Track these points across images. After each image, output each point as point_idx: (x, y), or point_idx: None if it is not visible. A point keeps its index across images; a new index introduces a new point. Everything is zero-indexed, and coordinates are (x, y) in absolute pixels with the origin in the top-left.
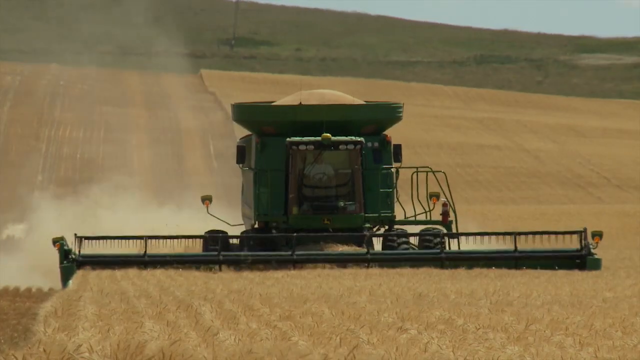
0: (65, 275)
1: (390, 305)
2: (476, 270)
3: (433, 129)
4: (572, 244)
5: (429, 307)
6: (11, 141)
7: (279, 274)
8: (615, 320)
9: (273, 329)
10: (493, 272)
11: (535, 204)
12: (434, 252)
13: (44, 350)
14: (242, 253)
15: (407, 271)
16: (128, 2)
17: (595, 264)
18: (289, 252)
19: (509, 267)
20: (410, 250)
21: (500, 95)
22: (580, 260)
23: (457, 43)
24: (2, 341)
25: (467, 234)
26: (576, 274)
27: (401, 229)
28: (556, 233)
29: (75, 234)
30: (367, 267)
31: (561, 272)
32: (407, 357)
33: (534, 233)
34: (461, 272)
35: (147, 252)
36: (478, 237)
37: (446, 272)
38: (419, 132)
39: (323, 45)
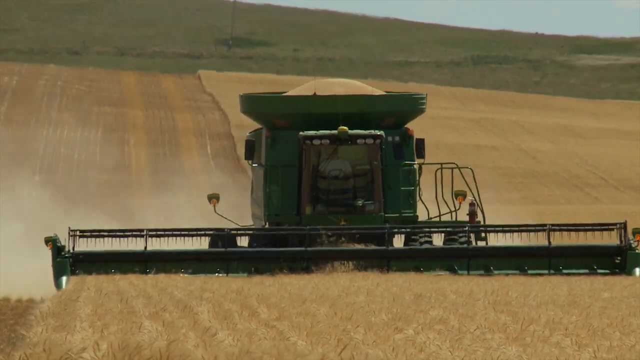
0: (59, 272)
1: (387, 305)
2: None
3: (430, 129)
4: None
5: (426, 308)
6: (8, 141)
7: (277, 274)
8: (613, 320)
9: (270, 329)
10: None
11: (533, 204)
12: (459, 247)
13: (44, 350)
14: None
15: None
16: (125, 3)
17: (637, 259)
18: (302, 248)
19: (541, 266)
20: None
21: (498, 95)
22: (620, 257)
23: (455, 43)
24: (0, 341)
25: (496, 226)
26: (572, 279)
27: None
28: (593, 225)
29: (69, 228)
30: (387, 266)
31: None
32: (404, 357)
33: (569, 226)
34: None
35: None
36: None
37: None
38: (416, 133)
39: (320, 45)
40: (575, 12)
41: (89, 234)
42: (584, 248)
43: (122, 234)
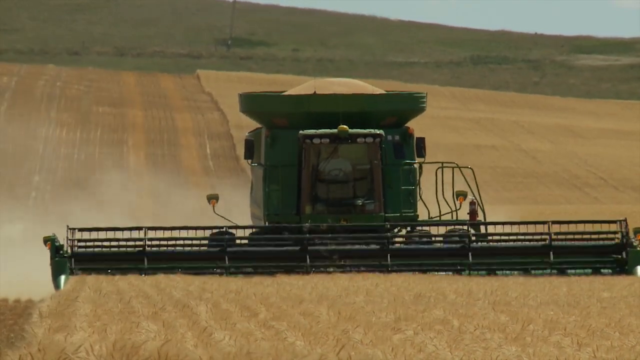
0: (57, 271)
1: (387, 305)
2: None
3: (430, 129)
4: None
5: (426, 308)
6: (8, 142)
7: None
8: (612, 320)
9: (269, 329)
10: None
11: (533, 204)
12: (459, 245)
13: (40, 350)
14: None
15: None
16: (125, 3)
17: (638, 258)
18: (301, 247)
19: (541, 265)
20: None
21: (497, 95)
22: (620, 254)
23: (454, 43)
24: None
25: (496, 223)
26: (572, 279)
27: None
28: (593, 222)
29: (68, 226)
30: (388, 266)
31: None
32: (404, 357)
33: (569, 222)
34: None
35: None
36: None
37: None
38: (416, 133)
39: (320, 45)
40: (575, 12)
41: (87, 230)
42: (585, 247)
43: (122, 241)
